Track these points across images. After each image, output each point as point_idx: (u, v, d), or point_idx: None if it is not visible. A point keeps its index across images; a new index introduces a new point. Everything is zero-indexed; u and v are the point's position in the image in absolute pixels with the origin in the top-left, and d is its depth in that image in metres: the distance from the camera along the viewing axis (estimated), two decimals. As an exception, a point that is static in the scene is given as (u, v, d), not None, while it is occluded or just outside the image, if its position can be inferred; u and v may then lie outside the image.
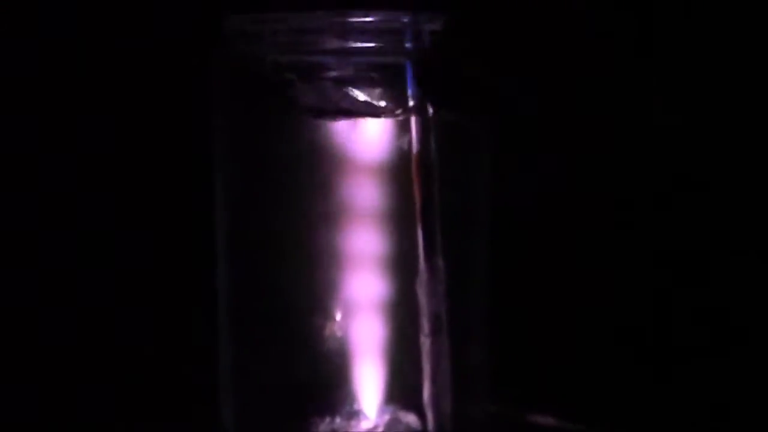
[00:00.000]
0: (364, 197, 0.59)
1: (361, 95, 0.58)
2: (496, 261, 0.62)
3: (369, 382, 0.59)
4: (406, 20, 0.58)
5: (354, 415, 0.59)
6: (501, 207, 0.63)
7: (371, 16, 0.58)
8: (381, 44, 0.58)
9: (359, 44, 0.58)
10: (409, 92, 0.58)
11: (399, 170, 0.59)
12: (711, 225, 0.69)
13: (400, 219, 0.59)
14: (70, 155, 0.72)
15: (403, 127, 0.58)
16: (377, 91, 0.58)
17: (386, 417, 0.59)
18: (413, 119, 0.58)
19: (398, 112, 0.58)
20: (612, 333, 0.72)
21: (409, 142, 0.58)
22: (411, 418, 0.59)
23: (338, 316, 0.59)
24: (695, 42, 0.69)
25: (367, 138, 0.59)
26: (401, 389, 0.59)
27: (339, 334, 0.59)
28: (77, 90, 0.71)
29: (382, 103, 0.58)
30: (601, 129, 0.72)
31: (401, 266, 0.59)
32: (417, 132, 0.58)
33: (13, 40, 0.70)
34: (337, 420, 0.59)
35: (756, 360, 0.68)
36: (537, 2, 0.70)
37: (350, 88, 0.58)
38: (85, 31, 0.71)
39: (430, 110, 0.58)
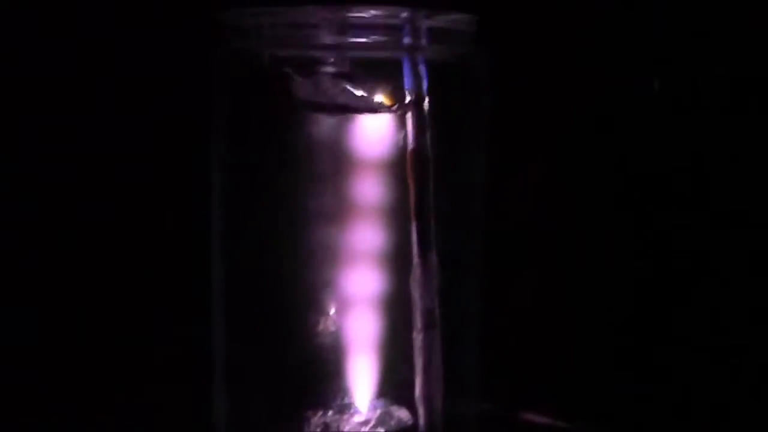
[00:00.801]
0: (359, 192, 0.59)
1: (358, 90, 0.58)
2: (489, 257, 0.63)
3: (361, 376, 0.59)
4: (404, 15, 0.58)
5: (346, 408, 0.59)
6: (495, 204, 0.63)
7: (369, 12, 0.58)
8: (379, 39, 0.58)
9: (357, 39, 0.58)
10: (406, 88, 0.58)
11: (394, 166, 0.59)
12: (709, 224, 0.69)
13: (395, 214, 0.59)
14: (69, 158, 0.72)
15: (399, 123, 0.59)
16: (374, 86, 0.58)
17: (378, 411, 0.59)
18: (409, 115, 0.58)
19: (395, 107, 0.58)
20: (605, 331, 0.72)
21: (405, 138, 0.58)
22: (403, 413, 0.59)
23: (332, 311, 0.60)
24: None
25: (363, 133, 0.59)
26: (393, 384, 0.60)
27: (332, 328, 0.59)
28: (74, 88, 0.71)
29: (379, 99, 0.58)
30: (601, 126, 0.72)
31: (395, 262, 0.59)
32: (413, 128, 0.58)
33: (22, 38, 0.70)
34: (330, 414, 0.59)
35: (755, 359, 0.68)
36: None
37: (347, 83, 0.58)
38: (83, 26, 0.71)
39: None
